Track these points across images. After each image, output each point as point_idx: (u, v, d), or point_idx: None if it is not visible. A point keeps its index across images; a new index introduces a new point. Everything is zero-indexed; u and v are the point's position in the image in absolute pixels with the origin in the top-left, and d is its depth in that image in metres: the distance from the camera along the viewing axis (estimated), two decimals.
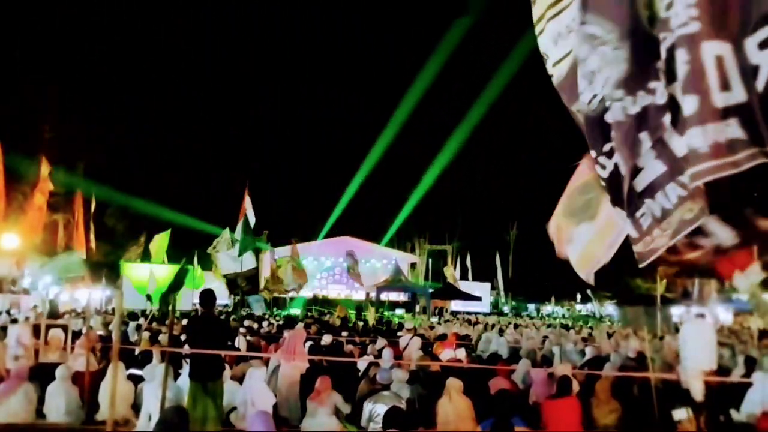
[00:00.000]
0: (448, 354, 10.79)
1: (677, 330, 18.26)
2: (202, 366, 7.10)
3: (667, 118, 2.98)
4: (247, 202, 15.54)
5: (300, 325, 15.26)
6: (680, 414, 5.64)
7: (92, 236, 29.27)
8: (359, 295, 39.20)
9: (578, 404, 6.92)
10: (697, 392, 7.96)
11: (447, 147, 49.71)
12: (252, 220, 15.73)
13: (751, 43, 2.62)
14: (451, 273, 40.28)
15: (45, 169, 23.71)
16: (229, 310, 25.68)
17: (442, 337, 13.54)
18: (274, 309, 29.50)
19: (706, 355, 8.63)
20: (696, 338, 8.76)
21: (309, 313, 26.43)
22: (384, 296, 34.85)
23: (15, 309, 17.87)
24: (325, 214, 48.75)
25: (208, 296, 7.66)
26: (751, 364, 9.55)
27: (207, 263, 25.75)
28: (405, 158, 57.10)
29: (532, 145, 70.62)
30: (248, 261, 18.75)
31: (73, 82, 34.42)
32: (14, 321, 12.96)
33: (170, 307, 7.84)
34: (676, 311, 27.68)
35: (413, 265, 47.71)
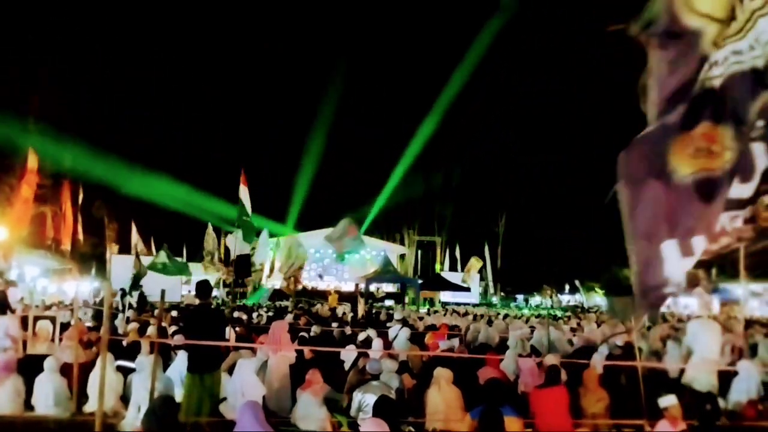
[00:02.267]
0: (442, 344, 10.84)
1: (664, 319, 18.44)
2: (200, 358, 7.09)
3: None
4: (243, 190, 15.31)
5: (288, 316, 15.28)
6: (666, 401, 5.72)
7: (80, 228, 29.12)
8: (348, 287, 39.20)
9: (566, 393, 6.96)
10: (705, 385, 8.04)
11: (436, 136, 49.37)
12: (248, 207, 15.49)
13: None
14: (477, 266, 40.21)
15: (32, 160, 23.52)
16: (220, 301, 25.66)
17: (433, 328, 13.60)
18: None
19: (715, 349, 8.72)
20: (705, 333, 8.79)
21: (299, 305, 26.39)
22: (373, 287, 34.87)
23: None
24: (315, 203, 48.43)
25: (204, 287, 7.65)
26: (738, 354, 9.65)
27: (197, 255, 25.61)
28: (394, 147, 57.00)
29: (522, 137, 70.94)
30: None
31: (63, 70, 34.06)
32: (2, 313, 12.88)
33: (160, 299, 7.80)
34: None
35: (402, 256, 47.75)
